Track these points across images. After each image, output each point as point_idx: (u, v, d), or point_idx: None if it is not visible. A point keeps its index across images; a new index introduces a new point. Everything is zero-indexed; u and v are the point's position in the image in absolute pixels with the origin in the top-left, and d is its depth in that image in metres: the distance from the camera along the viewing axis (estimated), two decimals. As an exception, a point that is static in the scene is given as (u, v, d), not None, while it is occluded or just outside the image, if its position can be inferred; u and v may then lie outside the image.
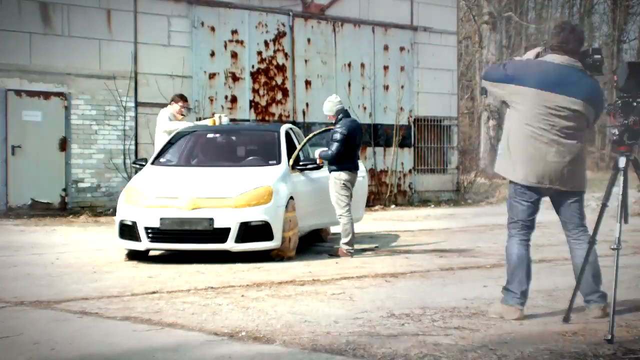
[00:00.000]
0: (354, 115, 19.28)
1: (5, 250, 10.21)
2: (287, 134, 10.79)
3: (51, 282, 7.60)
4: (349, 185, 9.75)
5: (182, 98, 11.78)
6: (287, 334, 5.26)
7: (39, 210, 15.32)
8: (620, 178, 5.39)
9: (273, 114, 18.11)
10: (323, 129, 10.90)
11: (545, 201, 5.91)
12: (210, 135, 10.86)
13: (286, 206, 9.30)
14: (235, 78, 17.64)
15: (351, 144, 9.75)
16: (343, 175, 9.68)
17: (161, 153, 10.50)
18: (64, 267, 8.66)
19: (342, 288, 7.12)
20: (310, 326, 5.50)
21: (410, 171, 20.41)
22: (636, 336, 5.22)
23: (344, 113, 9.92)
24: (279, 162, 10.02)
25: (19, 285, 7.42)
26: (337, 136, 9.64)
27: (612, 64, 51.19)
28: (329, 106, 9.91)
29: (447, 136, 21.21)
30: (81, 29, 15.85)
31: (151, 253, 9.53)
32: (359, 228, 13.62)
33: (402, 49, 20.20)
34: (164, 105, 16.61)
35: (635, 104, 5.27)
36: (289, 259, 9.31)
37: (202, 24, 17.23)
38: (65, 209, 15.61)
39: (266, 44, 18.09)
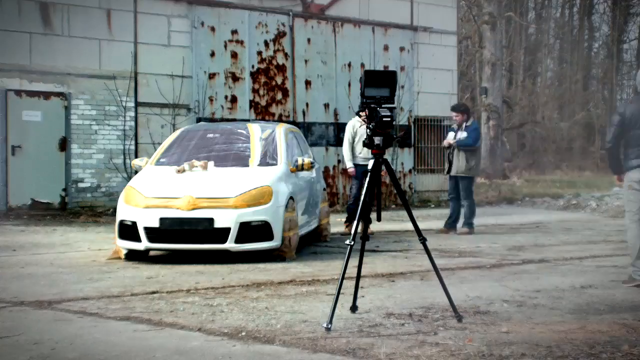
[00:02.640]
0: (354, 115, 19.34)
1: (5, 250, 10.21)
2: (287, 134, 10.81)
3: (51, 282, 7.60)
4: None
5: None
6: (287, 334, 5.26)
7: (39, 210, 15.32)
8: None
9: (273, 114, 18.11)
10: None
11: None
12: (210, 135, 10.87)
13: (286, 206, 9.31)
14: (235, 78, 17.64)
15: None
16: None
17: (161, 153, 10.50)
18: (64, 267, 8.66)
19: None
20: (310, 326, 5.50)
21: (410, 171, 20.42)
22: (636, 337, 5.22)
23: None
24: (278, 162, 10.04)
25: (19, 285, 7.42)
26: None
27: (612, 63, 51.23)
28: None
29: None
30: (81, 29, 15.85)
31: (151, 253, 9.53)
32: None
33: (402, 49, 20.20)
34: (164, 106, 16.76)
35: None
36: (290, 259, 9.31)
37: (202, 24, 17.23)
38: (65, 209, 15.61)
39: (266, 44, 18.09)
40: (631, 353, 4.76)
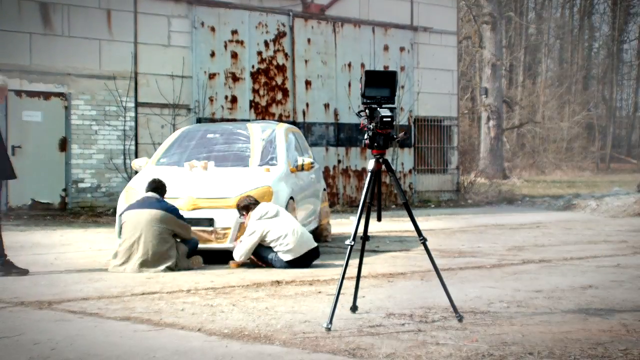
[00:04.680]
0: (353, 116, 19.34)
1: (6, 251, 10.18)
2: (287, 135, 10.80)
3: (51, 282, 7.60)
4: None
5: None
6: (287, 334, 5.26)
7: (39, 211, 15.32)
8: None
9: (273, 114, 18.11)
10: None
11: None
12: (210, 136, 10.86)
13: (286, 206, 9.30)
14: (235, 78, 17.65)
15: None
16: None
17: (161, 153, 10.50)
18: (64, 267, 8.67)
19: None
20: (311, 326, 5.50)
21: (410, 171, 20.42)
22: (636, 337, 5.22)
23: None
24: (278, 163, 10.03)
25: (20, 285, 7.43)
26: None
27: (612, 63, 51.21)
28: None
29: (447, 136, 21.22)
30: (81, 29, 15.85)
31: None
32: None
33: (402, 49, 20.21)
34: (164, 106, 16.76)
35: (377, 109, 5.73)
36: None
37: (202, 24, 17.23)
38: (65, 209, 15.61)
39: (266, 44, 18.09)
40: (631, 353, 4.76)
